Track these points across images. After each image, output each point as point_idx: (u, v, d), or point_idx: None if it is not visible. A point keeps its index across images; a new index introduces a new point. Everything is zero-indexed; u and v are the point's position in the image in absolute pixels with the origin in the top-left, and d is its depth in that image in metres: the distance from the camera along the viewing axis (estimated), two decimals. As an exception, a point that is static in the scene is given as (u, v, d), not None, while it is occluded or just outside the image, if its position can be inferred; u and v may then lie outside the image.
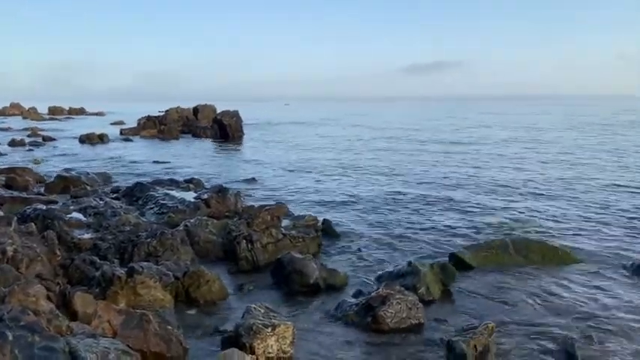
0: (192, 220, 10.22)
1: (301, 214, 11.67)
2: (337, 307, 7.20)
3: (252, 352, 5.60)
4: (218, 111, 42.54)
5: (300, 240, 9.68)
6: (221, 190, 12.48)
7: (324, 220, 11.36)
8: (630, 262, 9.05)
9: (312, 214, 11.39)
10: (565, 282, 8.28)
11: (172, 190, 13.69)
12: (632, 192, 15.76)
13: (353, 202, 14.61)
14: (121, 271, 6.96)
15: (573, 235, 11.04)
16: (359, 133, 43.16)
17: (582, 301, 7.50)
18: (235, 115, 38.34)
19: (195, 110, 46.53)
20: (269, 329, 5.72)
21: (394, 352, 6.05)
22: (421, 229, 11.54)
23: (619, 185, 16.96)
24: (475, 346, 5.76)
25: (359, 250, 10.05)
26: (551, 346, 6.18)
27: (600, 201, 14.50)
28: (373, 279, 8.41)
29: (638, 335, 6.44)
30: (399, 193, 15.77)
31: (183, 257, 8.47)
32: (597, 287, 8.07)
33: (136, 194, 13.45)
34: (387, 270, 8.59)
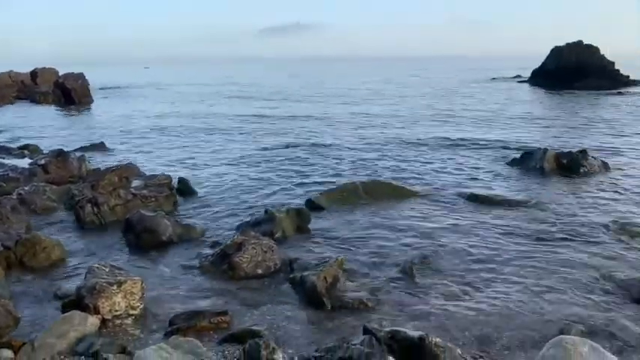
0: (26, 188, 9.19)
1: (154, 173, 11.11)
2: (193, 259, 7.06)
3: (97, 312, 5.26)
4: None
5: (153, 199, 9.24)
6: (61, 154, 11.35)
7: (180, 178, 10.96)
8: (466, 193, 10.15)
9: (166, 173, 10.89)
10: (408, 213, 9.04)
11: (2, 157, 12.14)
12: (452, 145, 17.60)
13: (210, 161, 14.31)
14: None
15: (416, 176, 12.02)
16: (216, 93, 42.05)
17: (421, 228, 8.24)
18: (80, 78, 34.88)
19: (34, 74, 41.51)
20: (114, 287, 5.40)
21: (251, 295, 6.10)
22: (278, 179, 11.74)
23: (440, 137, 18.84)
24: (325, 277, 6.04)
25: (217, 204, 9.91)
26: (395, 268, 6.71)
27: (431, 151, 15.98)
28: (231, 230, 8.36)
29: (465, 252, 7.25)
30: (259, 150, 15.78)
31: (15, 226, 7.60)
32: (435, 215, 8.96)
33: (-43, 166, 11.69)
34: (244, 220, 8.59)
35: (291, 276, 6.49)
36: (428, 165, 13.05)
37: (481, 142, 16.19)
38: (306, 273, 6.10)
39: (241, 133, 19.49)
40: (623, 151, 14.53)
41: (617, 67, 42.21)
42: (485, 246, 7.50)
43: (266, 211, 8.20)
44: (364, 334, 3.72)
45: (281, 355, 3.47)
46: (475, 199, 9.79)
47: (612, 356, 4.48)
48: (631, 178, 11.43)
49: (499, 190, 10.60)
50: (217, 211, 9.45)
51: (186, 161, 14.35)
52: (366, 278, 6.48)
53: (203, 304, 5.83)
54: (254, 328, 5.11)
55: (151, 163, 13.81)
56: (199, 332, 5.08)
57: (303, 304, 5.81)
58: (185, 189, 10.60)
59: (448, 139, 17.03)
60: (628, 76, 42.42)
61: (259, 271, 6.63)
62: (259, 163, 13.88)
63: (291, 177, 12.06)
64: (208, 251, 7.24)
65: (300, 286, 6.09)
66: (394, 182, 10.83)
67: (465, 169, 12.61)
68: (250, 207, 9.63)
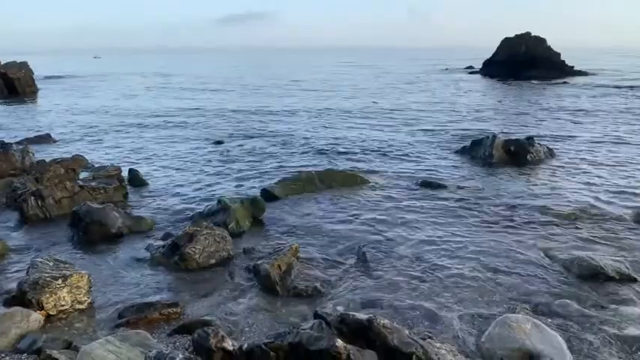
0: (-38, 182, 8.72)
1: (103, 165, 10.77)
2: (143, 251, 6.90)
3: (41, 308, 5.07)
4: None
5: (102, 191, 8.95)
6: (2, 147, 10.82)
7: (131, 169, 10.66)
8: (418, 180, 10.36)
9: (115, 165, 10.58)
10: (362, 200, 9.14)
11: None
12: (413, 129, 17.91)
13: (162, 152, 13.98)
14: None
15: (370, 164, 12.14)
16: (169, 84, 41.08)
17: (375, 215, 8.36)
18: (24, 67, 33.29)
19: (-29, 64, 39.15)
20: (59, 281, 5.22)
21: (204, 285, 6.03)
22: (233, 170, 11.61)
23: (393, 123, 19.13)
24: (279, 265, 6.04)
25: (169, 196, 9.71)
26: (349, 255, 6.78)
27: (389, 137, 16.20)
28: (184, 221, 8.21)
29: (416, 237, 7.40)
30: (212, 141, 15.55)
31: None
32: (388, 201, 9.09)
33: None
34: (197, 211, 8.46)
35: (245, 265, 6.46)
36: (381, 153, 13.21)
37: (432, 131, 16.54)
38: (259, 262, 6.08)
39: (194, 125, 19.12)
40: (567, 138, 15.15)
41: (562, 58, 43.92)
42: (436, 231, 7.67)
43: (219, 202, 8.10)
44: (315, 318, 3.75)
45: (230, 343, 3.45)
46: (427, 186, 10.00)
47: (553, 332, 4.70)
48: (573, 163, 11.95)
49: (450, 176, 10.86)
50: (169, 203, 9.26)
51: (137, 153, 13.97)
52: (320, 265, 6.52)
53: (154, 296, 5.72)
54: (206, 318, 5.07)
55: (99, 155, 13.36)
56: (149, 324, 4.98)
57: (257, 292, 5.80)
58: (136, 180, 10.33)
59: (400, 128, 17.30)
60: (573, 67, 44.22)
61: (212, 262, 6.55)
62: (213, 154, 13.68)
63: (246, 168, 11.95)
64: (159, 243, 7.09)
65: (254, 275, 6.07)
66: (349, 171, 10.93)
67: (418, 157, 12.86)
68: (204, 198, 9.48)
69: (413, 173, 11.15)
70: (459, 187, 9.94)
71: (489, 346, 4.52)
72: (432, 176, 10.81)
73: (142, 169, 11.15)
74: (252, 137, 16.02)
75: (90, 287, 5.44)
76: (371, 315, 3.70)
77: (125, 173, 10.39)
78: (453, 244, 7.17)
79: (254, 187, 10.12)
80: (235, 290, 5.89)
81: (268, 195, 9.29)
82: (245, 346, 3.44)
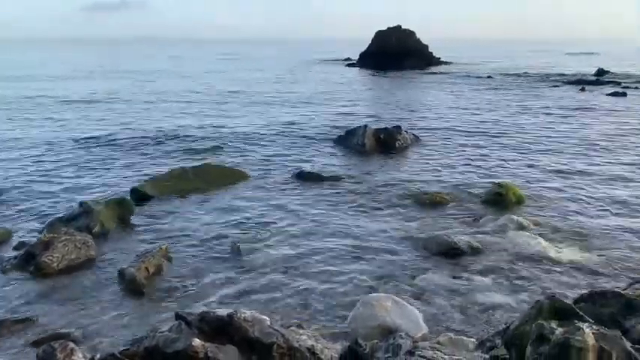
0: None
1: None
2: (-8, 264, 6.23)
3: None
4: None
5: (-60, 200, 7.91)
6: None
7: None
8: (294, 171, 10.51)
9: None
10: (237, 195, 9.10)
11: None
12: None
13: (10, 151, 12.60)
14: None
15: (247, 157, 12.09)
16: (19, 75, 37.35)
17: (251, 209, 8.37)
18: None
19: None
20: None
21: (64, 295, 5.61)
22: (98, 169, 10.89)
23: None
24: (147, 268, 5.81)
25: (24, 201, 8.83)
26: (223, 251, 6.71)
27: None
28: (43, 227, 7.55)
29: (292, 228, 7.54)
30: (72, 137, 14.32)
31: None
32: (265, 194, 9.16)
33: None
34: (57, 216, 7.82)
35: (111, 270, 6.12)
36: (258, 146, 13.21)
37: (308, 123, 16.84)
38: (125, 265, 5.80)
39: (48, 119, 17.47)
40: (432, 124, 16.35)
41: (430, 50, 47.25)
42: (310, 221, 7.86)
43: (81, 204, 7.56)
44: (175, 319, 3.66)
45: (81, 356, 3.24)
46: (303, 177, 10.19)
47: (411, 307, 5.08)
48: (436, 147, 12.95)
49: (325, 166, 11.18)
50: (24, 209, 8.43)
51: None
52: (192, 264, 6.36)
53: (7, 311, 5.21)
54: (62, 331, 4.72)
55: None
56: (-3, 344, 4.53)
57: (123, 297, 5.53)
58: (-15, 187, 9.27)
59: (274, 120, 17.44)
60: (439, 58, 47.76)
61: (73, 269, 6.11)
62: (73, 151, 12.62)
63: (113, 166, 11.23)
64: (13, 254, 6.46)
65: (119, 280, 5.78)
66: (225, 165, 10.79)
67: (294, 148, 13.07)
68: (65, 201, 8.78)
69: (289, 165, 11.30)
70: (334, 176, 10.27)
71: (354, 325, 4.77)
72: (308, 166, 11.05)
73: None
74: (119, 133, 14.89)
75: None
76: (232, 310, 3.70)
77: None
78: (326, 232, 7.40)
79: (122, 186, 9.57)
80: (100, 297, 5.56)
81: (139, 194, 8.87)
82: (98, 356, 3.26)
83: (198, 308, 4.91)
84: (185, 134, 14.75)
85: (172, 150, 12.89)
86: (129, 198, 8.35)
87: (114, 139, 13.96)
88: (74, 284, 5.89)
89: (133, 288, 5.53)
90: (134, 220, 7.85)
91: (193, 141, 13.82)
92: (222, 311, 3.67)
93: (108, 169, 11.04)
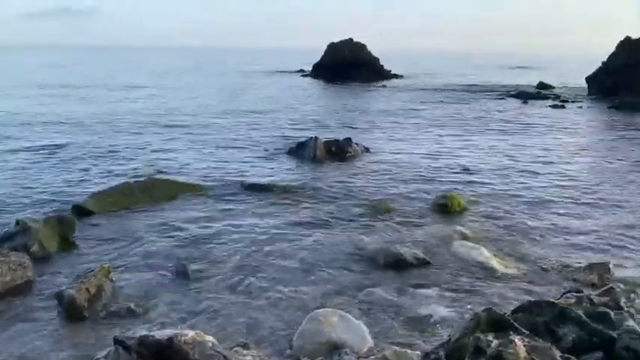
0: None
1: None
2: None
3: None
4: None
5: None
6: None
7: None
8: (246, 184, 10.42)
9: None
10: (186, 210, 8.93)
11: None
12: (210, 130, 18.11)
13: None
14: None
15: (198, 170, 11.90)
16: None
17: (200, 224, 8.22)
18: None
19: None
20: None
21: (-4, 319, 5.33)
22: (38, 185, 10.42)
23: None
24: (87, 289, 5.59)
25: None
26: (169, 270, 6.55)
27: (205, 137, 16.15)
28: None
29: (242, 243, 7.46)
30: (9, 150, 13.66)
31: None
32: (215, 209, 9.04)
33: None
34: (-11, 236, 7.42)
35: (50, 292, 5.86)
36: (209, 159, 13.03)
37: (260, 135, 16.77)
38: (64, 287, 5.56)
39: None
40: (380, 136, 16.66)
41: (381, 62, 48.13)
42: (261, 234, 7.81)
43: (17, 222, 7.22)
44: (114, 344, 3.54)
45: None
46: (253, 189, 10.13)
47: (357, 321, 5.11)
48: (385, 160, 13.16)
49: (276, 178, 11.14)
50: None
51: None
52: (136, 284, 6.18)
53: None
54: (-9, 361, 4.47)
55: None
56: None
57: (62, 321, 5.30)
58: None
59: (226, 129, 17.29)
60: (390, 70, 48.75)
61: (8, 293, 5.81)
62: (8, 163, 12.07)
63: (55, 181, 10.75)
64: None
65: (58, 301, 5.53)
66: (174, 179, 10.57)
67: (245, 160, 12.99)
68: (1, 223, 8.33)
69: (241, 177, 11.18)
70: (284, 189, 10.25)
71: (300, 342, 4.75)
72: (259, 179, 10.98)
73: None
74: (64, 145, 14.35)
75: None
76: (173, 332, 3.61)
77: None
78: (277, 246, 7.36)
79: (63, 203, 9.19)
80: (37, 322, 5.31)
81: (81, 211, 8.57)
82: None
83: (141, 331, 4.78)
84: (132, 146, 14.39)
85: (115, 164, 12.49)
86: (70, 215, 8.05)
87: (57, 152, 13.44)
88: (9, 309, 5.60)
89: (72, 311, 5.30)
90: (76, 238, 7.56)
91: (137, 155, 13.47)
92: (165, 333, 3.58)
93: (47, 184, 10.57)
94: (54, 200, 9.42)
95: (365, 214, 8.80)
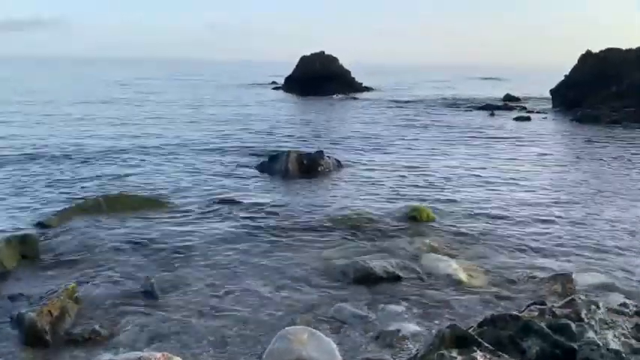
0: None
1: None
2: None
3: None
4: None
5: None
6: None
7: None
8: (216, 199, 10.34)
9: None
10: (154, 226, 8.74)
11: None
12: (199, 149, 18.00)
13: None
14: None
15: (166, 185, 11.74)
16: None
17: (168, 240, 8.08)
18: None
19: None
20: None
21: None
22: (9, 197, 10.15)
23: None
24: (50, 311, 5.43)
25: None
26: (136, 289, 6.41)
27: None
28: None
29: (210, 261, 7.37)
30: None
31: None
32: (183, 224, 8.90)
33: None
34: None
35: (9, 315, 5.66)
36: (177, 173, 12.86)
37: (231, 147, 16.69)
38: (24, 310, 5.38)
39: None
40: (352, 149, 16.77)
41: (352, 75, 48.62)
42: (230, 250, 7.73)
43: (-24, 243, 6.98)
44: (77, 371, 3.44)
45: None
46: (224, 204, 10.04)
47: (327, 338, 5.10)
48: (355, 173, 13.26)
49: (247, 193, 11.08)
50: None
51: None
52: (102, 304, 6.02)
53: None
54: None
55: None
56: None
57: (22, 346, 5.11)
58: None
59: (196, 144, 17.15)
60: (362, 83, 49.28)
61: (-35, 317, 5.60)
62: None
63: (17, 196, 10.47)
64: None
65: (18, 325, 5.35)
66: (142, 194, 10.41)
67: (215, 174, 12.87)
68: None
69: (211, 192, 11.07)
70: (255, 203, 10.20)
71: (270, 362, 4.71)
72: (229, 193, 10.90)
73: None
74: (30, 157, 14.02)
75: None
76: (142, 354, 3.54)
77: None
78: (246, 263, 7.29)
79: (30, 218, 8.93)
80: (-6, 348, 5.12)
81: (43, 226, 8.35)
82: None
83: (107, 355, 4.67)
84: (95, 157, 14.12)
85: (81, 177, 12.21)
86: (33, 233, 7.83)
87: (18, 166, 13.07)
88: (-38, 335, 5.39)
89: (33, 336, 5.12)
90: (39, 257, 7.34)
91: (105, 167, 13.23)
92: (131, 357, 3.50)
93: (11, 197, 10.27)
94: (14, 217, 9.15)
95: (335, 228, 8.81)
